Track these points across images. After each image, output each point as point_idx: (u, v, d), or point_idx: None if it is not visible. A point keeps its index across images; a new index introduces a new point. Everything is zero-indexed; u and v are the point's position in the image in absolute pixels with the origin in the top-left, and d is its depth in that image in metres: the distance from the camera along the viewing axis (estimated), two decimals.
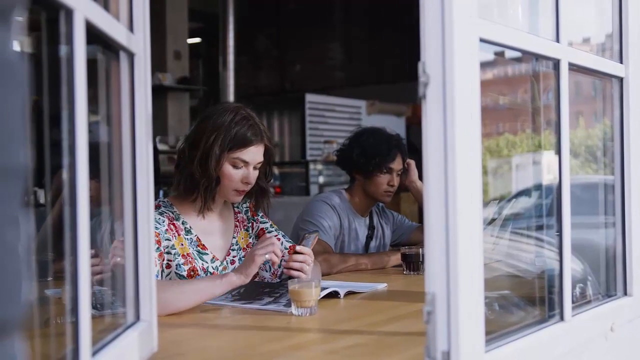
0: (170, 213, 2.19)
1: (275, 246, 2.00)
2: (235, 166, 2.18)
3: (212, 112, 2.20)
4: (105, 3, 1.22)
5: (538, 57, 1.52)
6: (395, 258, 2.81)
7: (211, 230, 2.28)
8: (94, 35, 1.09)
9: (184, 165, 2.20)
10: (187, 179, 2.19)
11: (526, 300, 1.68)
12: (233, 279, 1.96)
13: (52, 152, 1.00)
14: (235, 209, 2.39)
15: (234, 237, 2.33)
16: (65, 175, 0.99)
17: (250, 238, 2.37)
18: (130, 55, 1.32)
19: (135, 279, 1.34)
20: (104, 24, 1.13)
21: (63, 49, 0.99)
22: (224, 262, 2.26)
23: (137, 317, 1.34)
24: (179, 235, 2.18)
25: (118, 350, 1.18)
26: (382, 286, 2.33)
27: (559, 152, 1.49)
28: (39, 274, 1.23)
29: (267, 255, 1.97)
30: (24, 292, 0.55)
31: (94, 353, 1.06)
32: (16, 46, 0.54)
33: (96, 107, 1.26)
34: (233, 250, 2.32)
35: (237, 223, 2.36)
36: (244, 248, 2.34)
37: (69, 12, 0.97)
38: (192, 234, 2.21)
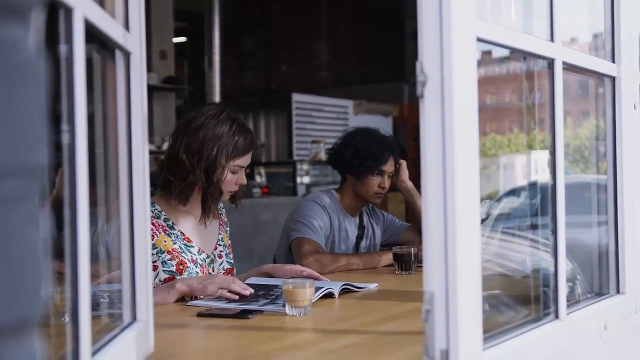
0: (150, 212, 2.20)
1: (232, 286, 2.02)
2: (234, 172, 2.27)
3: (204, 122, 2.23)
4: (101, 1, 1.21)
5: (533, 56, 1.53)
6: (387, 258, 2.81)
7: (196, 227, 2.33)
8: (90, 34, 1.08)
9: (183, 173, 2.21)
10: (188, 187, 2.23)
11: (520, 299, 1.68)
12: (177, 285, 2.04)
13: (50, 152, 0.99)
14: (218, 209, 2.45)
15: (220, 234, 2.41)
16: (64, 174, 0.98)
17: (229, 240, 2.47)
18: (127, 54, 1.31)
19: (132, 280, 1.33)
20: (102, 22, 1.12)
21: (62, 48, 0.98)
22: (211, 255, 2.33)
23: (134, 318, 1.34)
24: (161, 232, 2.21)
25: (116, 351, 1.17)
26: (373, 286, 2.33)
27: (553, 151, 1.50)
28: None
29: (219, 292, 2.01)
30: (44, 290, 0.54)
31: (93, 353, 1.05)
32: (35, 44, 0.54)
33: (91, 106, 1.25)
34: (220, 245, 2.39)
35: (221, 222, 2.45)
36: (228, 245, 2.43)
37: (69, 11, 0.97)
38: (175, 229, 2.26)
